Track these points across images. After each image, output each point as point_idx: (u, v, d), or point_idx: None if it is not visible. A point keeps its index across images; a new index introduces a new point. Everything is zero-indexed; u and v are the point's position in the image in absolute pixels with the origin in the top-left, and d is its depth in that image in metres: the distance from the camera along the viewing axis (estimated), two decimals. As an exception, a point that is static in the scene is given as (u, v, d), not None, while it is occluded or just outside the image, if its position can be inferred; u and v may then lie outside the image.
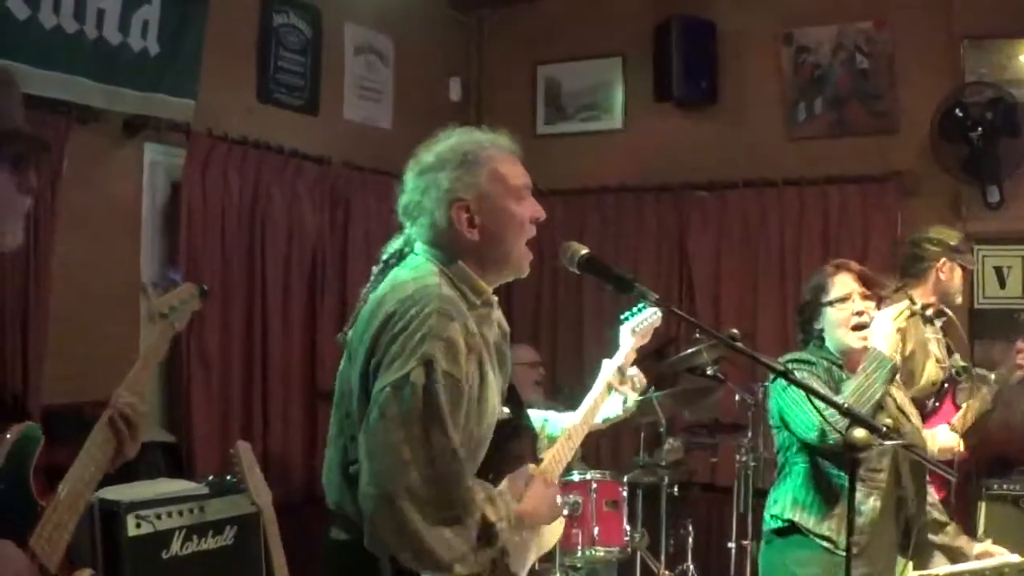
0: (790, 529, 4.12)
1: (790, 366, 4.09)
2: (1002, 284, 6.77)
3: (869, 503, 3.99)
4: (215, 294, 6.02)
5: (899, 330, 4.06)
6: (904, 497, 4.05)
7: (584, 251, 3.27)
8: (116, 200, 5.72)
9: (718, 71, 7.61)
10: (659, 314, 3.84)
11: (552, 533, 3.38)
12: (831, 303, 4.14)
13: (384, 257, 3.15)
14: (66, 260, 5.26)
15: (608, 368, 3.71)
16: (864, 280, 4.14)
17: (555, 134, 8.22)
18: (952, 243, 5.48)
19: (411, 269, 2.99)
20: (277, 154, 6.46)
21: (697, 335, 6.34)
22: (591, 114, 8.15)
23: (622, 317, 3.86)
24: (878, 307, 4.13)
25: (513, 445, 3.16)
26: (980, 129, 6.54)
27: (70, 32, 5.22)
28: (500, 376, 3.09)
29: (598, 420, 3.67)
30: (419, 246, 3.05)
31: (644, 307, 3.81)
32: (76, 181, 5.32)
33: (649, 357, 7.00)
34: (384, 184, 7.18)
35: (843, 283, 4.14)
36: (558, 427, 3.60)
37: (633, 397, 3.71)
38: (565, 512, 5.52)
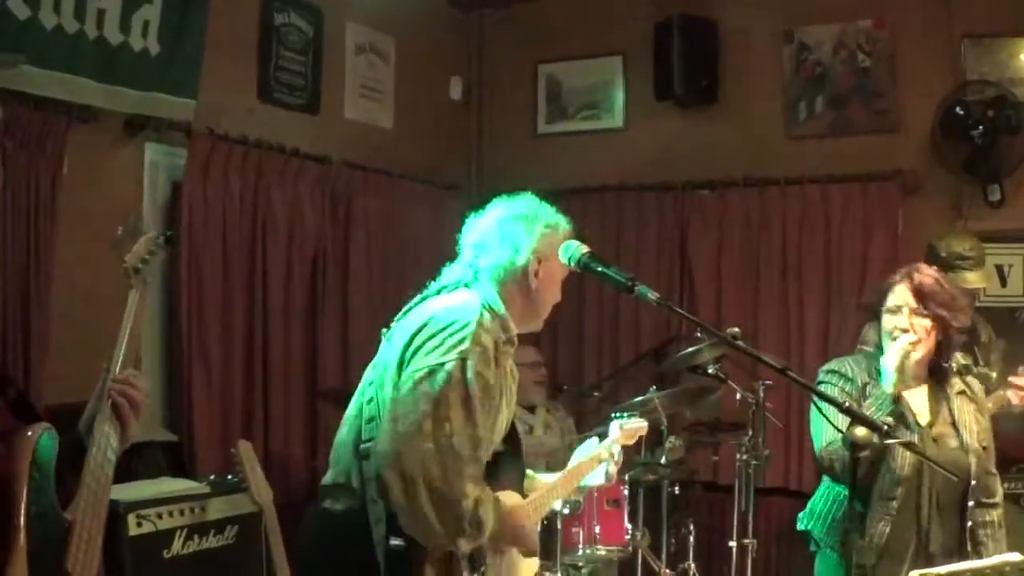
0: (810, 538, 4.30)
1: (825, 378, 4.24)
2: (1003, 282, 6.77)
3: (878, 528, 3.99)
4: (216, 294, 6.03)
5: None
6: (926, 529, 4.00)
7: (585, 250, 3.34)
8: (117, 200, 5.71)
9: (719, 70, 7.60)
10: (645, 425, 4.43)
11: (528, 570, 3.77)
12: (885, 311, 4.12)
13: (443, 280, 3.53)
14: (67, 260, 5.26)
15: (601, 447, 4.15)
16: (918, 294, 4.07)
17: (556, 133, 8.22)
18: (941, 253, 5.52)
19: (459, 293, 3.44)
20: (278, 153, 6.45)
21: (698, 334, 6.34)
22: (592, 113, 8.15)
23: (614, 415, 4.43)
24: (933, 325, 4.07)
25: (503, 475, 3.50)
26: (981, 127, 6.54)
27: (70, 32, 5.21)
28: (509, 407, 3.51)
29: (579, 484, 4.10)
30: (480, 280, 3.48)
31: (632, 416, 4.40)
32: (77, 181, 5.31)
33: (650, 356, 7.05)
34: (385, 184, 7.21)
35: (899, 294, 4.10)
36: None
37: (614, 474, 4.19)
38: (566, 511, 5.54)
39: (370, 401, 3.31)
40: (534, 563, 3.82)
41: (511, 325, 3.43)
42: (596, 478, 4.10)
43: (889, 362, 4.02)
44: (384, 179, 7.15)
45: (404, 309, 3.47)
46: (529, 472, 3.93)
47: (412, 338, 3.24)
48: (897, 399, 3.99)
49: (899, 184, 6.98)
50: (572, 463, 4.06)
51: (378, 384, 3.30)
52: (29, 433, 2.55)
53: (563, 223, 3.56)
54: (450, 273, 3.53)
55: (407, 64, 7.70)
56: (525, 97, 8.33)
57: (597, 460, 4.09)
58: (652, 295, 3.25)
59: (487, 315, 3.32)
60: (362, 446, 3.25)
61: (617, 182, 7.78)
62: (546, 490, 3.82)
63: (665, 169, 7.64)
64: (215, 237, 6.04)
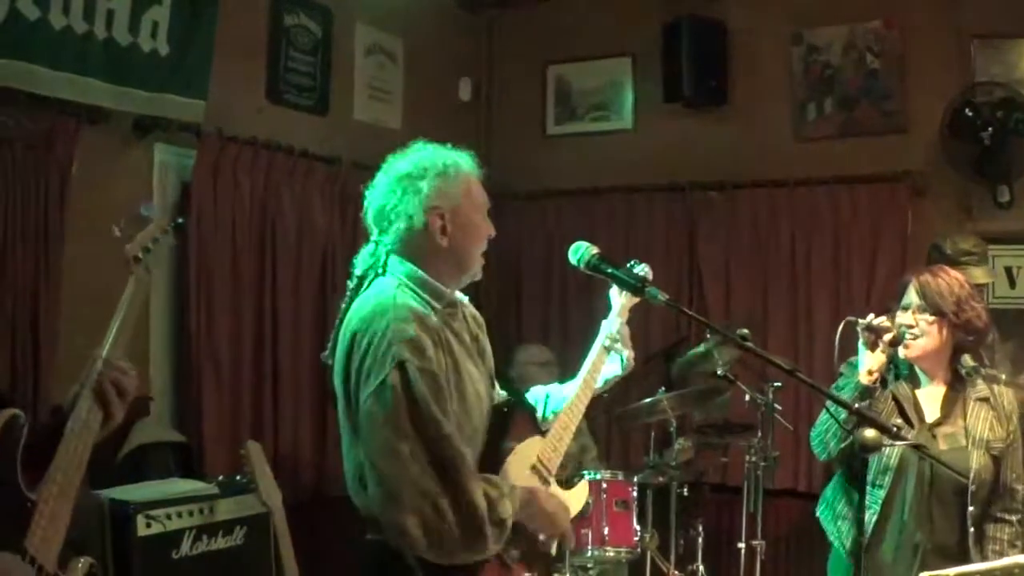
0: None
1: (844, 370, 4.27)
2: (1012, 284, 6.75)
3: (867, 515, 4.04)
4: (225, 294, 6.04)
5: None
6: (907, 522, 4.05)
7: (594, 251, 3.34)
8: (126, 200, 5.70)
9: (728, 71, 7.59)
10: (647, 268, 3.82)
11: (577, 499, 3.59)
12: (900, 309, 4.17)
13: (358, 273, 3.33)
14: (76, 260, 5.27)
15: (604, 330, 3.83)
16: (921, 292, 4.12)
17: (565, 134, 8.21)
18: (947, 251, 5.65)
19: (374, 286, 3.24)
20: (287, 154, 6.46)
21: (707, 335, 6.34)
22: (601, 114, 8.14)
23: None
24: (939, 323, 4.10)
25: (512, 424, 3.33)
26: (990, 129, 6.52)
27: (80, 33, 5.22)
28: (482, 365, 3.30)
29: (599, 384, 3.77)
30: (390, 260, 3.26)
31: (633, 266, 3.82)
32: (86, 182, 5.33)
33: (659, 357, 7.04)
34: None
35: (910, 292, 4.16)
36: (563, 402, 3.71)
37: (630, 355, 3.81)
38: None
39: (352, 430, 3.12)
40: (582, 490, 3.69)
41: (442, 290, 3.24)
42: (612, 370, 3.78)
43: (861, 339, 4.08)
44: (393, 180, 7.15)
45: (336, 327, 3.27)
46: (552, 388, 3.80)
47: (346, 368, 3.08)
48: (877, 380, 4.03)
49: (908, 185, 6.97)
50: (585, 366, 3.77)
51: (343, 413, 3.14)
52: None
53: (457, 162, 3.34)
54: (362, 262, 3.34)
55: (416, 65, 7.71)
56: (534, 98, 8.32)
57: (606, 350, 3.80)
58: (661, 296, 3.25)
59: (402, 299, 3.11)
60: (363, 477, 3.07)
61: (626, 183, 7.77)
62: (565, 411, 3.61)
63: (674, 170, 7.63)
64: (224, 238, 6.04)
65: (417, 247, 3.23)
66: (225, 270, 6.05)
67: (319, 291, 6.68)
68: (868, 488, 4.07)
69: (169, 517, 4.89)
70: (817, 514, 4.44)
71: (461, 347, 3.22)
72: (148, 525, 4.80)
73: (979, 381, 4.18)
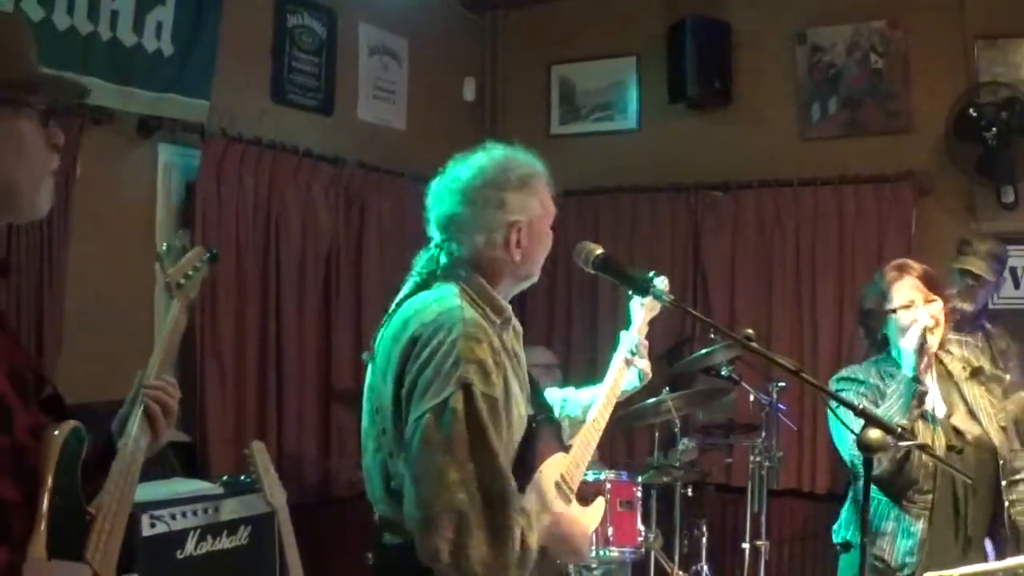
0: (849, 545, 4.20)
1: (838, 386, 4.17)
2: (1017, 284, 6.75)
3: (918, 525, 3.96)
4: (230, 294, 6.04)
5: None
6: (960, 518, 3.98)
7: (599, 251, 3.32)
8: (130, 201, 5.73)
9: (732, 71, 7.59)
10: (666, 282, 3.78)
11: (594, 517, 3.53)
12: (895, 310, 4.07)
13: (416, 272, 3.18)
14: (81, 261, 5.27)
15: (624, 343, 3.76)
16: (927, 281, 4.07)
17: (569, 134, 8.21)
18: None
19: (433, 290, 3.06)
20: (291, 155, 6.46)
21: (712, 335, 6.34)
22: (605, 114, 8.14)
23: (630, 292, 3.78)
24: (946, 308, 4.08)
25: (539, 440, 3.20)
26: (994, 129, 6.51)
27: (84, 33, 5.23)
28: (521, 379, 3.14)
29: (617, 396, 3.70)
30: (456, 265, 3.10)
31: (652, 278, 3.83)
32: (90, 182, 5.32)
33: (663, 357, 7.04)
34: (398, 185, 7.20)
35: (905, 289, 4.07)
36: (578, 407, 3.67)
37: (648, 368, 3.77)
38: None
39: (384, 432, 3.01)
40: (598, 507, 3.59)
41: (501, 304, 3.09)
42: (631, 381, 3.74)
43: (908, 343, 3.97)
44: (397, 180, 7.15)
45: (381, 326, 3.14)
46: (568, 393, 3.73)
47: (400, 373, 2.93)
48: (919, 381, 3.95)
49: (912, 185, 6.97)
50: (607, 378, 3.69)
51: (382, 415, 3.01)
52: (56, 432, 2.57)
53: (534, 170, 3.16)
54: (420, 262, 3.19)
55: (420, 65, 7.71)
56: (538, 98, 8.33)
57: (626, 364, 3.72)
58: (667, 297, 3.25)
59: (468, 312, 2.95)
60: (392, 483, 2.97)
61: (630, 184, 7.77)
62: (588, 427, 3.51)
63: (678, 171, 7.63)
64: (229, 238, 6.04)
65: (491, 260, 3.09)
66: (229, 270, 6.05)
67: (323, 291, 6.68)
68: (910, 495, 3.98)
69: (174, 517, 4.89)
70: (848, 539, 4.23)
71: (510, 365, 3.05)
72: (153, 525, 4.80)
73: (954, 362, 4.15)
